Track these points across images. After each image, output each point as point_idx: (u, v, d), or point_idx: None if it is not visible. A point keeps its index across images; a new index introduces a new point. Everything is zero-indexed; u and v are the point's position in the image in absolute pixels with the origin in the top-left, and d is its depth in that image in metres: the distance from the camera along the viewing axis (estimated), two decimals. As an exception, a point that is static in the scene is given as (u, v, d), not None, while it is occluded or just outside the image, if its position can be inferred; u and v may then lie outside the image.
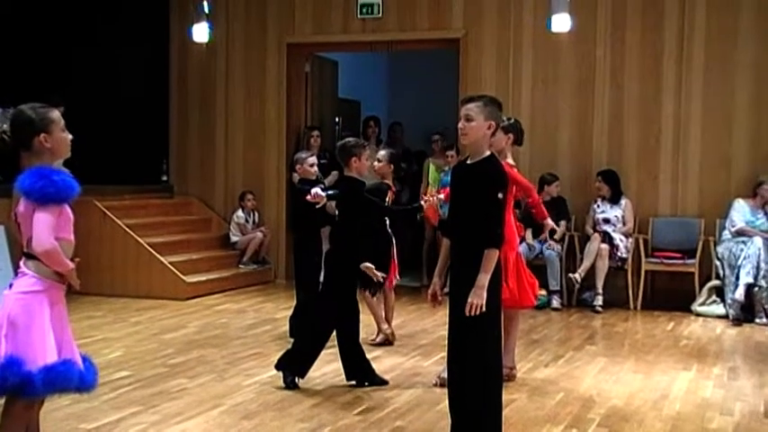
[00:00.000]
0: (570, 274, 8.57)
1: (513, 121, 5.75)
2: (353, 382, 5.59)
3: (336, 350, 6.55)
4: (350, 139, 5.99)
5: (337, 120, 11.59)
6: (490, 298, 3.94)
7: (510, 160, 5.66)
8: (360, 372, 5.63)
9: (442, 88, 10.60)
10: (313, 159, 7.19)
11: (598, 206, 8.98)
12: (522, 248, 8.82)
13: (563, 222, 9.00)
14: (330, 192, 6.69)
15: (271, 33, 10.38)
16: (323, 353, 6.51)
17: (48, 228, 3.26)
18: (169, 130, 10.86)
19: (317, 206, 6.50)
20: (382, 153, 6.82)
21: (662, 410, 5.12)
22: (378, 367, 6.03)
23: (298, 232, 7.28)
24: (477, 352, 4.01)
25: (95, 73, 9.86)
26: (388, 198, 6.66)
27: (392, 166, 6.66)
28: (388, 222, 6.69)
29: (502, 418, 4.17)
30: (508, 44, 9.49)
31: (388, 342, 6.77)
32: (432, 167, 10.00)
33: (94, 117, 9.05)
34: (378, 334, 6.82)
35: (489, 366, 4.06)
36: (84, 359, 3.48)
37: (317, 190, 6.51)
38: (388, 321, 6.87)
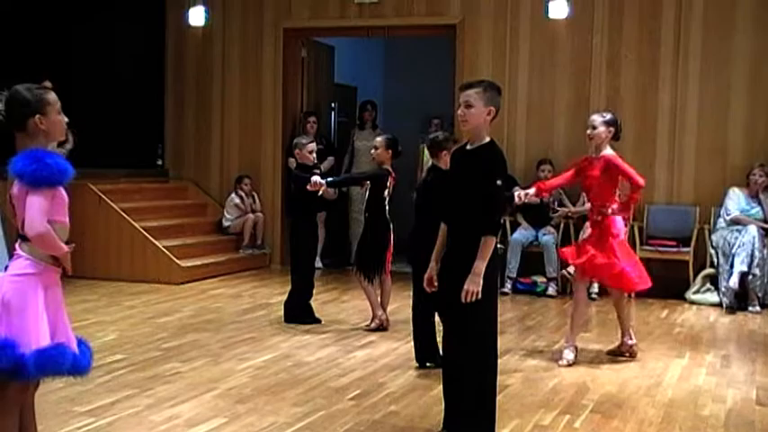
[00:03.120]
0: (563, 270, 8.57)
1: (614, 115, 6.00)
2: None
3: (331, 335, 6.57)
4: (439, 133, 6.10)
5: (333, 105, 11.57)
6: (486, 285, 3.94)
7: (610, 151, 5.94)
8: (427, 353, 5.67)
9: (439, 74, 10.57)
10: (312, 146, 7.18)
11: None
12: (518, 235, 8.89)
13: (562, 209, 9.01)
14: (330, 179, 6.71)
15: (267, 18, 10.34)
16: (318, 338, 6.54)
17: (40, 211, 3.24)
18: (165, 114, 10.83)
19: (319, 194, 6.51)
20: (379, 140, 6.82)
21: (655, 397, 5.14)
22: (372, 352, 6.06)
23: (294, 217, 7.28)
24: (472, 338, 4.01)
25: (92, 56, 9.82)
26: (389, 184, 6.65)
27: (390, 152, 6.64)
28: (387, 209, 6.69)
29: (496, 403, 4.18)
30: (505, 30, 9.47)
31: (382, 328, 6.78)
32: (426, 152, 9.98)
33: (90, 101, 9.02)
34: (372, 320, 6.82)
35: (483, 352, 4.06)
36: (80, 342, 3.47)
37: (316, 178, 6.53)
38: (384, 307, 6.87)
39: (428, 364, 5.64)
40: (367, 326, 6.81)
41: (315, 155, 7.21)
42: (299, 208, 7.10)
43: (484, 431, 4.10)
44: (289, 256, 7.91)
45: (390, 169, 6.69)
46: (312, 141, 7.32)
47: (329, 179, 6.82)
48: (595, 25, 9.19)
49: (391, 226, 6.73)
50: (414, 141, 10.71)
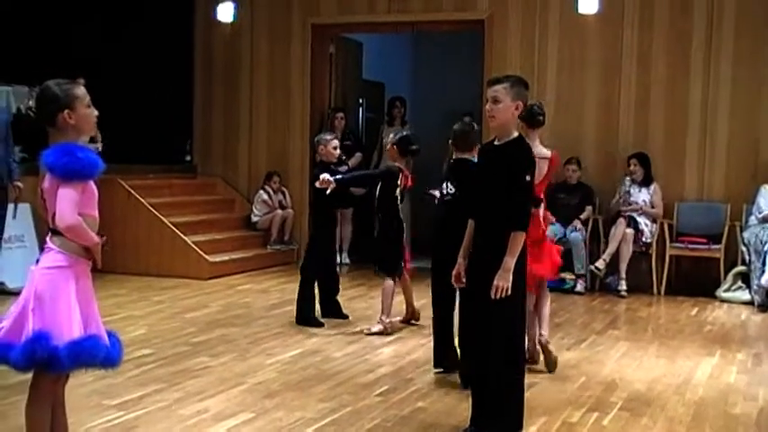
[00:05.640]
0: (592, 266, 8.51)
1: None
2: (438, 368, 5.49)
3: (355, 330, 6.55)
4: (465, 120, 5.69)
5: (361, 101, 11.57)
6: (515, 280, 3.92)
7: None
8: (446, 359, 5.45)
9: (467, 70, 10.52)
10: (336, 142, 7.12)
11: (629, 188, 8.81)
12: (547, 232, 8.80)
13: (588, 207, 8.96)
14: (338, 177, 6.58)
15: (295, 14, 10.35)
16: (346, 334, 6.54)
17: (71, 203, 3.26)
18: (193, 110, 10.89)
19: (327, 191, 6.41)
20: (391, 136, 6.75)
21: (684, 395, 5.09)
22: (399, 349, 6.05)
23: (314, 214, 7.27)
24: (502, 334, 3.99)
25: (120, 52, 9.88)
26: (400, 181, 6.50)
27: (396, 149, 6.53)
28: (400, 207, 6.60)
29: (524, 400, 4.17)
30: (534, 25, 9.41)
31: (412, 320, 6.79)
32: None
33: (120, 96, 9.06)
34: (378, 323, 6.55)
35: (511, 349, 4.04)
36: (110, 335, 3.48)
37: (325, 175, 6.42)
38: (409, 301, 6.83)
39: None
40: (368, 329, 6.53)
41: (339, 150, 7.14)
42: (317, 204, 7.06)
43: (511, 428, 4.09)
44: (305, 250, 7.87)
45: (402, 167, 6.56)
46: (336, 137, 7.25)
47: (338, 177, 6.67)
48: (626, 20, 9.11)
49: (404, 225, 6.62)
50: (442, 137, 10.68)
